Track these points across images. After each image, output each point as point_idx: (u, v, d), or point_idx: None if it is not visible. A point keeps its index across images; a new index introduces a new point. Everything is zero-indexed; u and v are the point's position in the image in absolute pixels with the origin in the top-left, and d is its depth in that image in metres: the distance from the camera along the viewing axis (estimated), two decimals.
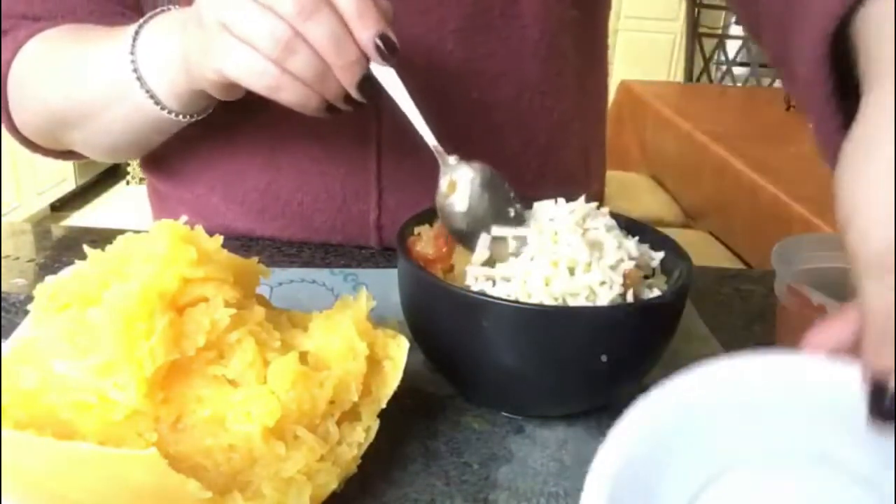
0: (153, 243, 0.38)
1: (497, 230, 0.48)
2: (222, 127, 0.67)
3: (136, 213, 0.83)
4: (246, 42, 0.46)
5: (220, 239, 0.40)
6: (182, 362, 0.36)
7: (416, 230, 0.51)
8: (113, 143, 0.65)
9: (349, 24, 0.45)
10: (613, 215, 0.51)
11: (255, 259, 0.43)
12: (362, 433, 0.40)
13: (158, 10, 0.57)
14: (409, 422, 0.46)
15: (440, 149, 0.50)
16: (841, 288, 0.49)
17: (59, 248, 0.71)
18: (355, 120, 0.65)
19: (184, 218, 0.40)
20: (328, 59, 0.46)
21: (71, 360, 0.35)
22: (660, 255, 0.50)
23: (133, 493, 0.32)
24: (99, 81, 0.59)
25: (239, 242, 0.71)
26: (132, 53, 0.56)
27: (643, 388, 0.51)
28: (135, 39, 0.56)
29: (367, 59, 0.47)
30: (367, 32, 0.45)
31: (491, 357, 0.44)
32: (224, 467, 0.35)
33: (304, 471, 0.36)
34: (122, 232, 0.41)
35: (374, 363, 0.42)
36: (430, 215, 0.52)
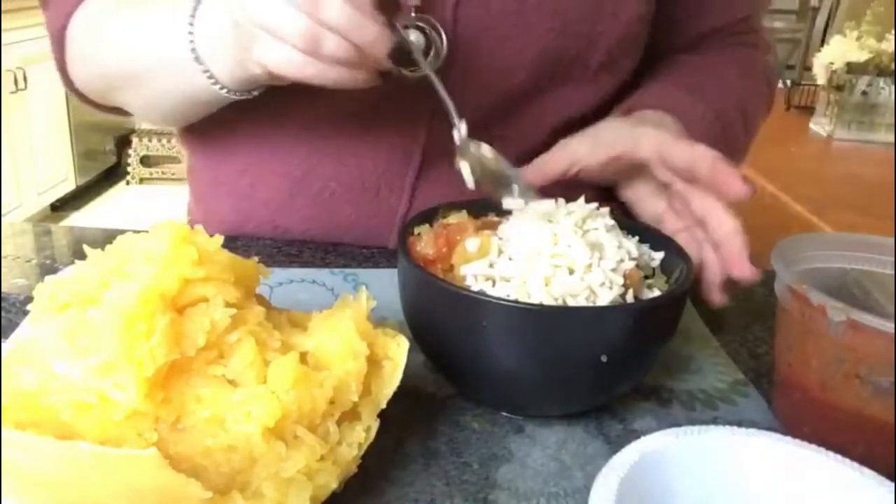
0: (153, 243, 0.38)
1: (507, 202, 0.52)
2: (271, 113, 0.68)
3: (136, 213, 0.83)
4: (277, 37, 0.47)
5: (220, 239, 0.40)
6: (182, 362, 0.36)
7: (416, 230, 0.51)
8: (165, 110, 0.67)
9: None
10: (613, 216, 0.51)
11: (255, 259, 0.43)
12: (362, 433, 0.40)
13: None
14: (409, 422, 0.46)
15: (457, 121, 0.56)
16: (841, 288, 0.49)
17: (59, 248, 0.71)
18: (409, 116, 0.67)
19: (185, 218, 0.40)
20: (352, 39, 0.47)
21: (71, 360, 0.35)
22: (660, 255, 0.50)
23: (133, 493, 0.32)
24: (155, 52, 0.60)
25: (239, 242, 0.71)
26: (190, 34, 0.56)
27: (643, 388, 0.51)
28: (193, 15, 0.56)
29: (393, 30, 0.49)
30: None
31: (491, 357, 0.44)
32: (224, 467, 0.35)
33: (304, 471, 0.36)
34: (122, 232, 0.41)
35: (374, 363, 0.42)
36: (430, 215, 0.52)
